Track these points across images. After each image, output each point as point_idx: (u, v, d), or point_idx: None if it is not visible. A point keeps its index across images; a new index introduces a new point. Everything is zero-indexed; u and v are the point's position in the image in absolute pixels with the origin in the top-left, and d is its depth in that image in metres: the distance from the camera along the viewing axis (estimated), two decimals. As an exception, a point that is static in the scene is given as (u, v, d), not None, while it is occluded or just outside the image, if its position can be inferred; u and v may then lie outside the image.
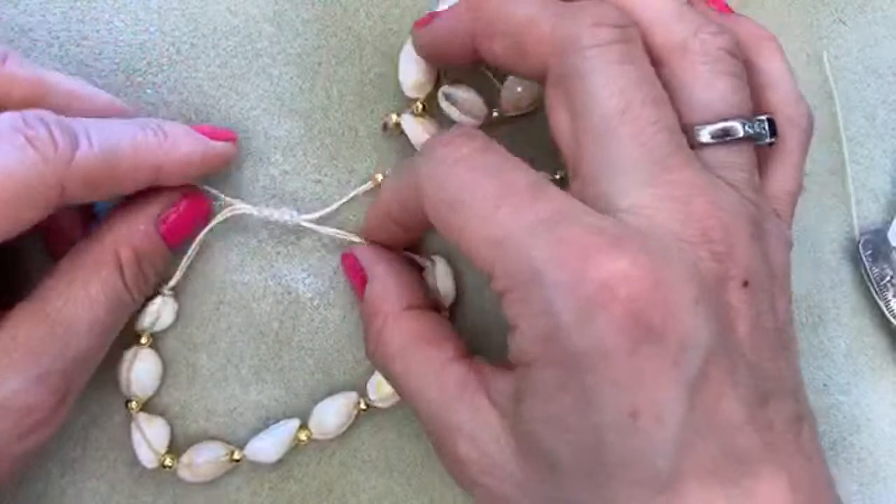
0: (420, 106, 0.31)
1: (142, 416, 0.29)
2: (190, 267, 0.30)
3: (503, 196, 0.23)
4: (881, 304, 0.33)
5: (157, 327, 0.30)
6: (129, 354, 0.29)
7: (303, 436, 0.30)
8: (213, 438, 0.30)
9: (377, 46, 0.31)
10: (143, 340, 0.29)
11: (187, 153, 0.27)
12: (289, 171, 0.31)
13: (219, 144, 0.28)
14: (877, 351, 0.33)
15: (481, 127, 0.31)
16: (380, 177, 0.31)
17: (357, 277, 0.30)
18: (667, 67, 0.25)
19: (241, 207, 0.30)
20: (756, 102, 0.26)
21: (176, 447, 0.30)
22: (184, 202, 0.28)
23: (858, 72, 0.33)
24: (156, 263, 0.28)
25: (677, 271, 0.22)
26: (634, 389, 0.21)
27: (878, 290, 0.33)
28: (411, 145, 0.31)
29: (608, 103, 0.23)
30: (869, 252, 0.33)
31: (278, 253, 0.31)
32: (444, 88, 0.30)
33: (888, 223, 0.33)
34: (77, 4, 0.30)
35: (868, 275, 0.33)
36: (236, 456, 0.30)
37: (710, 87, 0.24)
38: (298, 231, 0.31)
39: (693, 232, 0.23)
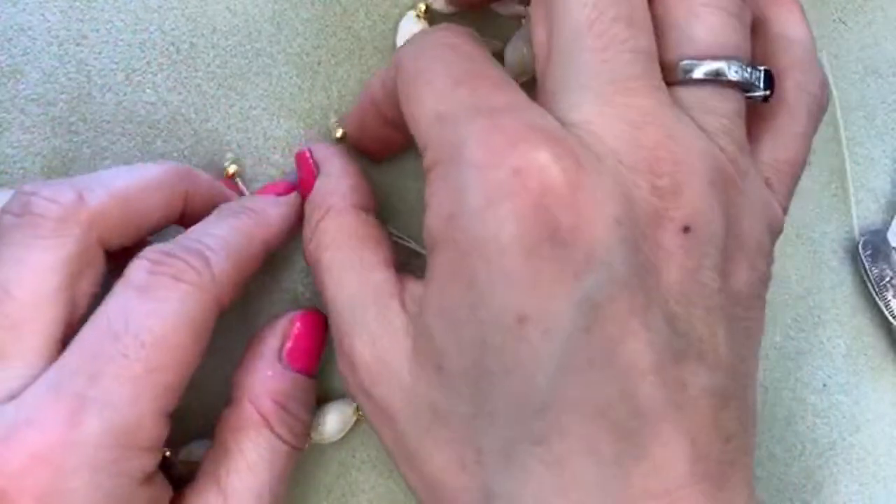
0: None
1: None
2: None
3: (467, 79, 0.22)
4: (881, 304, 0.33)
5: None
6: None
7: None
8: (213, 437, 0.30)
9: (377, 46, 0.31)
10: None
11: (280, 216, 0.28)
12: (289, 172, 0.31)
13: (293, 197, 0.29)
14: (876, 351, 0.33)
15: None
16: (340, 132, 0.31)
17: (308, 173, 0.29)
18: (661, 2, 0.23)
19: None
20: (765, 63, 0.24)
21: (174, 446, 0.30)
22: (297, 325, 0.28)
23: (858, 72, 0.34)
24: (300, 399, 0.27)
25: (604, 184, 0.20)
26: (526, 291, 0.20)
27: (877, 290, 0.33)
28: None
29: (580, 14, 0.22)
30: (868, 252, 0.33)
31: (276, 252, 0.31)
32: None
33: (888, 223, 0.33)
34: (76, 3, 0.30)
35: (868, 275, 0.33)
36: None
37: (701, 22, 0.23)
38: (297, 229, 0.31)
39: (636, 158, 0.21)
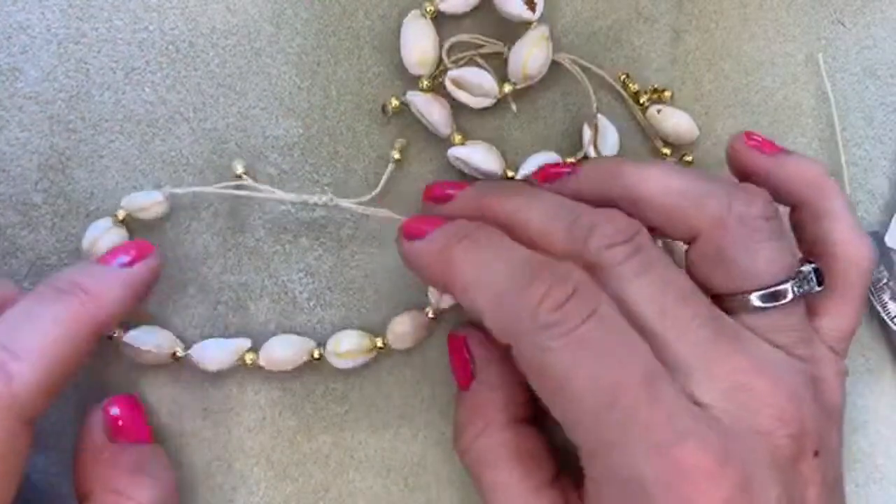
0: (426, 83, 0.30)
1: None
2: (187, 269, 0.30)
3: (617, 393, 0.22)
4: (878, 306, 0.33)
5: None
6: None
7: (248, 359, 0.29)
8: (208, 436, 0.30)
9: (376, 46, 0.31)
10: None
11: (117, 299, 0.25)
12: (287, 171, 0.31)
13: (141, 268, 0.27)
14: (873, 353, 0.34)
15: (496, 104, 0.31)
16: (396, 154, 0.31)
17: (461, 362, 0.29)
18: (707, 242, 0.25)
19: (279, 196, 0.30)
20: (814, 240, 0.27)
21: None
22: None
23: (857, 73, 0.34)
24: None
25: (765, 478, 0.23)
26: None
27: (874, 292, 0.33)
28: (411, 132, 0.31)
29: (647, 311, 0.24)
30: (866, 254, 0.33)
31: (275, 252, 0.31)
32: (452, 73, 0.30)
33: (885, 225, 0.33)
34: (76, 2, 0.30)
35: (865, 276, 0.33)
36: (179, 353, 0.29)
37: (759, 257, 0.25)
38: (296, 230, 0.31)
39: (767, 421, 0.23)
